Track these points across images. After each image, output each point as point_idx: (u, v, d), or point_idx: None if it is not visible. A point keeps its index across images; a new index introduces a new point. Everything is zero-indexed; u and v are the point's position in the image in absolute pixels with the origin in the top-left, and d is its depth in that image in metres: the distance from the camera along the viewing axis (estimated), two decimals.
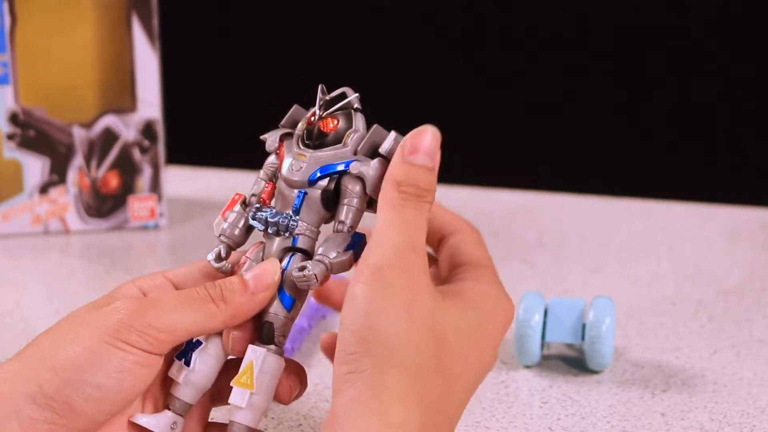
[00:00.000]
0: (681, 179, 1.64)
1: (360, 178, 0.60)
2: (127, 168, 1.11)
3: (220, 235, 0.63)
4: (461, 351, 0.58)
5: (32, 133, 1.08)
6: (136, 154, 1.10)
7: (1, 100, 1.07)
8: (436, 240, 0.66)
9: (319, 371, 0.81)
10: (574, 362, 0.82)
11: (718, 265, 1.02)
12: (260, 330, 0.61)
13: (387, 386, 0.55)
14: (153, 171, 1.11)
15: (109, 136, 1.10)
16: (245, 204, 0.63)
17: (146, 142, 1.10)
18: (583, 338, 0.80)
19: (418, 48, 1.88)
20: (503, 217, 1.14)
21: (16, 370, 0.58)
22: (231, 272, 0.62)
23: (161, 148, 1.11)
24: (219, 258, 0.62)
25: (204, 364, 0.61)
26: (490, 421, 0.75)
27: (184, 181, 1.21)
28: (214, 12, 1.92)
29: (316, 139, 0.61)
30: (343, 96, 0.62)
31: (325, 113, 0.62)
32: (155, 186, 1.11)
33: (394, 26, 1.88)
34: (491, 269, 0.63)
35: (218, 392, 0.63)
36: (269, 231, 0.61)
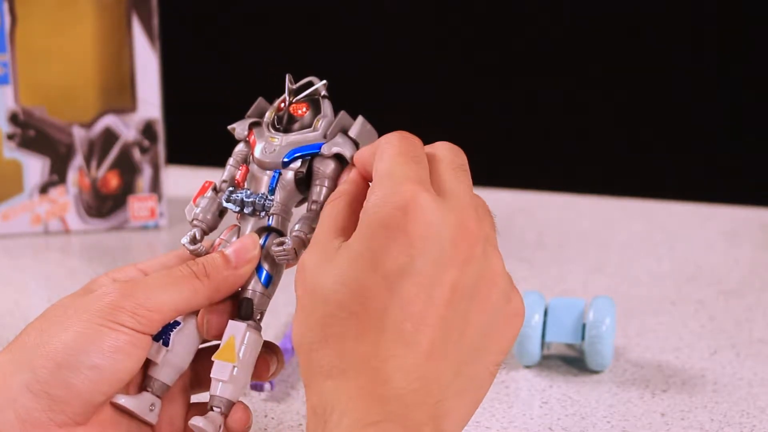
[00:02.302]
0: (681, 179, 1.64)
1: (331, 160, 0.62)
2: (127, 168, 1.11)
3: (192, 220, 0.64)
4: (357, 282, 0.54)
5: (32, 133, 1.08)
6: (136, 154, 1.10)
7: (1, 100, 1.07)
8: None
9: None
10: (574, 362, 0.82)
11: (718, 265, 1.02)
12: (239, 307, 0.62)
13: (305, 371, 0.56)
14: (153, 171, 1.11)
15: (109, 136, 1.10)
16: (216, 190, 0.65)
17: (146, 142, 1.10)
18: (583, 338, 0.80)
19: (419, 48, 1.88)
20: (503, 217, 1.14)
21: (8, 361, 0.59)
22: (205, 254, 0.63)
23: (161, 148, 1.11)
24: (194, 241, 0.63)
25: (182, 345, 0.62)
26: (490, 420, 0.75)
27: (184, 181, 1.21)
28: (214, 12, 1.92)
29: (287, 124, 0.64)
30: (310, 84, 0.64)
31: (295, 99, 0.64)
32: (155, 186, 1.11)
33: (395, 27, 1.88)
34: (382, 175, 0.57)
35: (197, 378, 0.64)
36: (245, 211, 0.63)
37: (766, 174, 1.76)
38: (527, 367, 0.82)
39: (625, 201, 1.21)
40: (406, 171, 0.56)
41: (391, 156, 0.57)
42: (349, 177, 0.61)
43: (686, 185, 1.36)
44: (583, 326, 0.80)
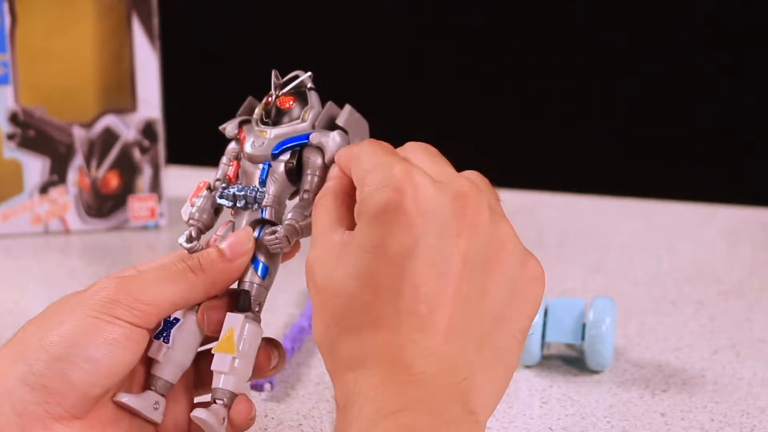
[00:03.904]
0: (681, 179, 1.64)
1: (321, 149, 0.62)
2: (127, 168, 1.11)
3: (189, 219, 0.64)
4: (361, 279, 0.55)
5: (32, 133, 1.08)
6: (136, 154, 1.10)
7: (1, 100, 1.07)
8: None
9: (319, 371, 0.81)
10: (574, 362, 0.82)
11: (718, 265, 1.02)
12: (236, 299, 0.62)
13: (329, 367, 0.57)
14: (153, 171, 1.11)
15: (109, 136, 1.10)
16: (210, 189, 0.65)
17: (146, 142, 1.10)
18: (583, 338, 0.80)
19: (419, 48, 1.88)
20: None
21: (5, 355, 0.59)
22: None
23: (161, 148, 1.11)
24: (190, 239, 0.64)
25: (183, 342, 0.62)
26: (491, 421, 0.75)
27: (184, 181, 1.21)
28: (214, 12, 1.92)
29: (275, 117, 0.64)
30: (296, 77, 0.65)
31: (281, 92, 0.64)
32: (155, 186, 1.11)
33: (396, 27, 1.88)
34: (367, 170, 0.57)
35: (200, 379, 0.64)
36: (238, 205, 0.63)
37: (766, 174, 1.76)
38: (527, 367, 0.82)
39: (625, 201, 1.21)
40: (390, 158, 0.56)
41: (370, 154, 0.57)
42: (332, 173, 0.61)
43: (686, 185, 1.36)
44: (583, 326, 0.80)
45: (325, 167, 0.62)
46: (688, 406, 0.76)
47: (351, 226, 0.57)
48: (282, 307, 0.89)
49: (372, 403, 0.53)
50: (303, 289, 0.93)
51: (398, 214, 0.54)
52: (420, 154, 0.58)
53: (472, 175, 0.57)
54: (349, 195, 0.59)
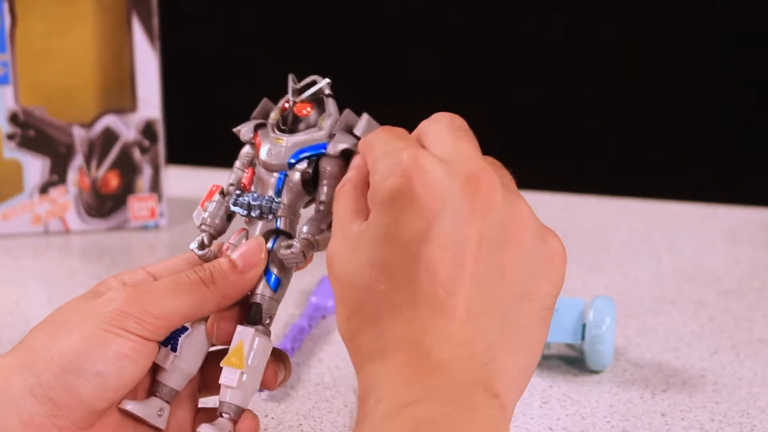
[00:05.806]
0: (681, 179, 1.64)
1: (338, 159, 0.61)
2: (127, 168, 1.11)
3: (201, 225, 0.63)
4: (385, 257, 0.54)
5: (32, 133, 1.08)
6: (136, 154, 1.10)
7: (1, 100, 1.07)
8: None
9: (319, 371, 0.81)
10: (574, 362, 0.82)
11: (718, 265, 1.02)
12: (247, 312, 0.61)
13: (353, 360, 0.56)
14: (153, 171, 1.11)
15: (109, 136, 1.10)
16: (223, 194, 0.64)
17: (146, 142, 1.10)
18: (583, 338, 0.80)
19: (419, 48, 1.88)
20: None
21: (13, 364, 0.58)
22: (214, 259, 0.62)
23: (161, 148, 1.11)
24: (202, 246, 0.63)
25: (190, 350, 0.61)
26: None
27: (184, 181, 1.21)
28: (214, 12, 1.92)
29: (292, 124, 0.63)
30: (314, 83, 0.64)
31: (298, 99, 0.63)
32: (155, 186, 1.11)
33: (396, 27, 1.88)
34: (378, 157, 0.56)
35: (205, 383, 0.64)
36: (252, 214, 0.62)
37: (766, 174, 1.76)
38: None
39: (625, 201, 1.21)
40: (399, 144, 0.56)
41: (382, 142, 0.57)
42: (353, 164, 0.60)
43: (686, 185, 1.36)
44: (583, 326, 0.80)
45: (342, 177, 0.61)
46: (688, 406, 0.76)
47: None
48: (282, 307, 0.89)
49: (388, 396, 0.52)
50: (303, 289, 0.93)
51: (408, 199, 0.53)
52: (443, 126, 0.57)
53: (487, 158, 0.57)
54: (368, 185, 0.58)
